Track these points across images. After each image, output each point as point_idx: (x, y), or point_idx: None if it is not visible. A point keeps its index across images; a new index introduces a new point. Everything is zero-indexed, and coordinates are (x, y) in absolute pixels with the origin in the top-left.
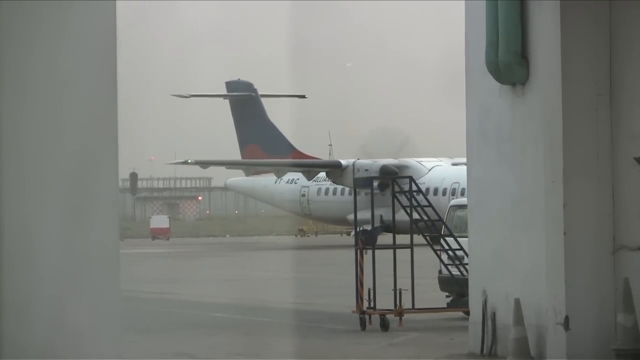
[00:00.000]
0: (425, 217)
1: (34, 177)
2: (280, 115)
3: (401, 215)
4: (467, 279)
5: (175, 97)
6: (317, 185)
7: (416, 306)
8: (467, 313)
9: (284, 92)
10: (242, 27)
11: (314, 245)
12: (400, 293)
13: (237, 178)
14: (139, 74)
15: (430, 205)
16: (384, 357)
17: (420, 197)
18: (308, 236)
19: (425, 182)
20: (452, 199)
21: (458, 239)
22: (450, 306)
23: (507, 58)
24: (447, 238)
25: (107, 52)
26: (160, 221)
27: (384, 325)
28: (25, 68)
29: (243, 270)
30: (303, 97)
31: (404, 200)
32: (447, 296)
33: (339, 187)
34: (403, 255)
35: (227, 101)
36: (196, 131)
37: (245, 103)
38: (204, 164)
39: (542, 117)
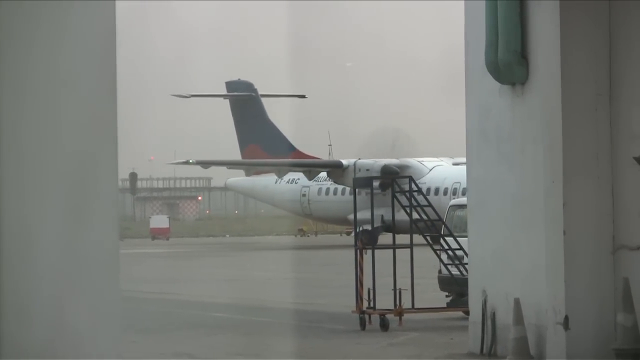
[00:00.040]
0: (425, 217)
1: (34, 177)
2: (280, 115)
3: (402, 215)
4: (466, 278)
5: (175, 97)
6: (318, 185)
7: (416, 306)
8: (467, 313)
9: (284, 92)
10: (242, 27)
11: (314, 245)
12: (400, 293)
13: (238, 178)
14: (138, 74)
15: (430, 205)
16: (383, 357)
17: (420, 197)
18: (308, 236)
19: (426, 182)
20: (453, 198)
21: (458, 238)
22: (450, 306)
23: (506, 58)
24: (446, 238)
25: (106, 52)
26: (160, 221)
27: (384, 325)
28: (25, 68)
29: (243, 270)
30: (303, 97)
31: (404, 200)
32: (446, 296)
33: (340, 187)
34: (403, 255)
35: (227, 101)
36: (196, 131)
37: (245, 103)
38: (205, 164)
39: (541, 116)
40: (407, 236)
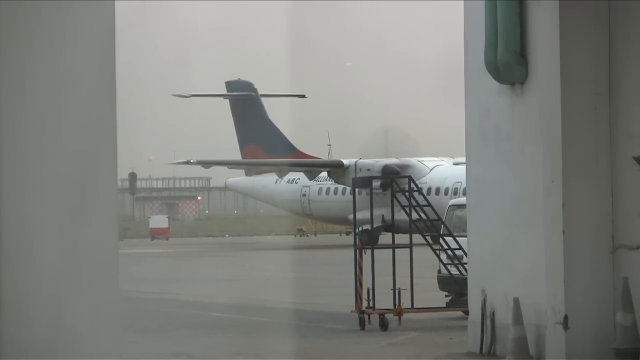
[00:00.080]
0: (429, 217)
1: (33, 177)
2: (280, 115)
3: (403, 215)
4: (466, 278)
5: (175, 97)
6: (318, 185)
7: (415, 306)
8: (466, 312)
9: (284, 92)
10: (242, 27)
11: (313, 245)
12: (399, 292)
13: (237, 178)
14: (138, 74)
15: (429, 204)
16: (383, 356)
17: (420, 198)
18: (307, 236)
19: (427, 181)
20: (454, 198)
21: (457, 238)
22: (450, 306)
23: (506, 58)
24: (446, 237)
25: (106, 52)
26: (159, 221)
27: (383, 325)
28: (25, 68)
29: (242, 270)
30: (303, 96)
31: (404, 200)
32: (446, 295)
33: (340, 187)
34: (402, 254)
35: (227, 101)
36: (195, 131)
37: (245, 103)
38: (207, 164)
39: (541, 116)
40: (407, 236)
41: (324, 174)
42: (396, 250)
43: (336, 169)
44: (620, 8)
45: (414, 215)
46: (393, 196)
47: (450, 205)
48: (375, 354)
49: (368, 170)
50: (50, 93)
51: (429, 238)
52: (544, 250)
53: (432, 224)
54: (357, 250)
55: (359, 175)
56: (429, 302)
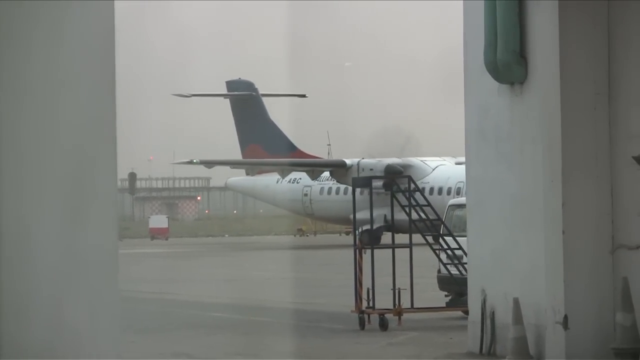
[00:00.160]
0: (429, 217)
1: (33, 177)
2: (279, 114)
3: (405, 215)
4: (466, 278)
5: (175, 96)
6: (320, 184)
7: (415, 305)
8: (466, 312)
9: (284, 92)
10: (242, 27)
11: (313, 245)
12: (399, 292)
13: (238, 178)
14: (137, 74)
15: (429, 204)
16: (383, 356)
17: (420, 198)
18: (307, 236)
19: (429, 181)
20: (457, 198)
21: (457, 238)
22: (449, 305)
23: (505, 57)
24: (446, 237)
25: (105, 52)
26: (159, 221)
27: (383, 325)
28: (24, 68)
29: (242, 270)
30: (303, 96)
31: (405, 200)
32: (446, 295)
33: (342, 187)
34: (402, 254)
35: (227, 101)
36: (195, 131)
37: (246, 102)
38: (209, 164)
39: (540, 116)
40: (408, 236)
41: (325, 173)
42: (396, 250)
43: (338, 169)
44: (619, 8)
45: (415, 216)
46: (393, 196)
47: (450, 205)
48: (375, 354)
49: (371, 170)
50: (49, 93)
51: (429, 238)
52: (543, 250)
53: (432, 224)
54: (357, 250)
55: (362, 175)
56: (429, 302)
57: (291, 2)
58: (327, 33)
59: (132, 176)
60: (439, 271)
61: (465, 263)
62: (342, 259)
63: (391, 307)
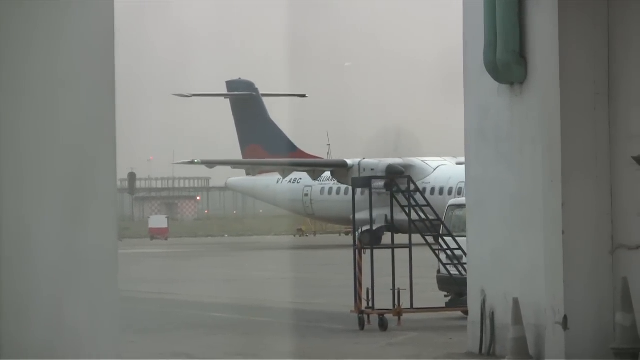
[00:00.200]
0: (428, 217)
1: (32, 177)
2: (279, 114)
3: (406, 215)
4: (465, 278)
5: (174, 96)
6: (321, 184)
7: (415, 306)
8: (466, 312)
9: (284, 92)
10: (242, 27)
11: (313, 245)
12: (398, 293)
13: (238, 178)
14: (137, 74)
15: (428, 205)
16: (382, 356)
17: (419, 198)
18: (307, 236)
19: (430, 181)
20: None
21: (457, 238)
22: (449, 306)
23: (505, 57)
24: (445, 237)
25: (105, 52)
26: (158, 221)
27: (383, 325)
28: (23, 68)
29: (241, 270)
30: (304, 96)
31: (405, 201)
32: (445, 296)
33: (343, 187)
34: (402, 254)
35: (226, 101)
36: (195, 131)
37: (246, 102)
38: (211, 164)
39: (540, 116)
40: (414, 235)
41: (326, 174)
42: (396, 250)
43: (340, 169)
44: (619, 8)
45: (416, 216)
46: (392, 196)
47: (450, 205)
48: (374, 354)
49: (372, 170)
50: (49, 93)
51: (428, 238)
52: (543, 251)
53: (432, 224)
54: (357, 251)
55: (363, 175)
56: (429, 302)
57: (291, 2)
58: (327, 33)
59: (132, 176)
60: (438, 271)
61: (465, 263)
62: (342, 259)
63: (391, 307)
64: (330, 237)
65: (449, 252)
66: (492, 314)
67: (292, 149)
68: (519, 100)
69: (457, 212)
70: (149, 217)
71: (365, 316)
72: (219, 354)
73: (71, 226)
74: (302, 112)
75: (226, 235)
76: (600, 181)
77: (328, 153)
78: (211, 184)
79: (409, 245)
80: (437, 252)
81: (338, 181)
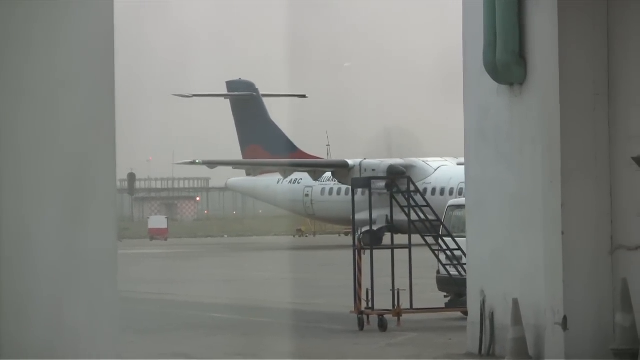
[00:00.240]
0: (428, 218)
1: (32, 177)
2: (279, 115)
3: (406, 216)
4: (465, 279)
5: (174, 97)
6: (321, 185)
7: (414, 306)
8: (466, 313)
9: (284, 92)
10: (242, 28)
11: (312, 245)
12: (398, 293)
13: (239, 178)
14: (137, 74)
15: (428, 205)
16: (382, 357)
17: (419, 198)
18: (306, 236)
19: (431, 182)
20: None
21: (456, 238)
22: (449, 306)
23: (504, 58)
24: (445, 238)
25: (104, 53)
26: (158, 222)
27: (382, 326)
28: (23, 68)
29: (241, 270)
30: (304, 96)
31: (405, 201)
32: (445, 296)
33: (343, 187)
34: (401, 255)
35: (227, 101)
36: (194, 131)
37: (246, 103)
38: (212, 164)
39: (540, 116)
40: (414, 236)
41: (326, 174)
42: (395, 250)
43: (341, 169)
44: (619, 8)
45: (416, 217)
46: (392, 197)
47: (450, 206)
48: (374, 355)
49: (373, 170)
50: (48, 94)
51: (428, 239)
52: (543, 251)
53: (432, 225)
54: (356, 251)
55: (364, 175)
56: (428, 303)
57: (291, 2)
58: (327, 33)
59: (132, 177)
60: (438, 272)
61: (465, 264)
62: (342, 259)
63: (390, 307)
64: (330, 238)
65: (448, 252)
66: (492, 315)
67: (293, 150)
68: (519, 101)
69: (457, 213)
70: (148, 218)
71: (365, 317)
72: (218, 354)
73: (71, 226)
74: (302, 113)
75: (226, 236)
76: (599, 181)
77: (328, 153)
78: (211, 185)
79: (409, 246)
80: (436, 252)
81: (339, 181)
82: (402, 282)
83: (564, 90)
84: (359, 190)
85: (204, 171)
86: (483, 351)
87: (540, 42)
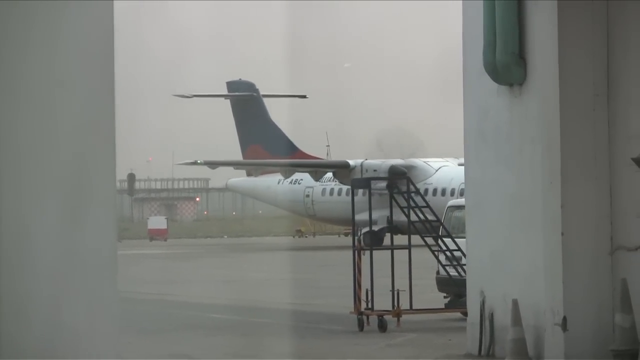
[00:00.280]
0: (429, 219)
1: (32, 178)
2: (279, 115)
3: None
4: (464, 279)
5: (174, 97)
6: (322, 185)
7: (414, 307)
8: (465, 314)
9: (284, 93)
10: (242, 28)
11: (312, 246)
12: (398, 294)
13: (239, 178)
14: (136, 75)
15: (427, 206)
16: (381, 357)
17: (419, 199)
18: (306, 237)
19: (432, 182)
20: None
21: (455, 239)
22: (448, 307)
23: (504, 58)
24: (444, 239)
25: (104, 53)
26: (157, 222)
27: (382, 326)
28: (21, 69)
29: (241, 271)
30: (304, 97)
31: (406, 202)
32: (444, 297)
33: (344, 188)
34: (401, 255)
35: (227, 102)
36: (194, 132)
37: (247, 103)
38: (213, 165)
39: (539, 117)
40: (413, 237)
41: (327, 174)
42: (395, 251)
43: (342, 170)
44: (618, 8)
45: (417, 217)
46: (392, 197)
47: (449, 207)
48: (373, 355)
49: (374, 171)
50: (48, 94)
51: (428, 239)
52: (542, 252)
53: (432, 226)
54: (356, 252)
55: (366, 176)
56: (428, 304)
57: (291, 3)
58: (327, 34)
59: (131, 177)
60: (437, 272)
61: (464, 264)
62: (341, 260)
63: (390, 308)
64: (330, 238)
65: (448, 253)
66: (492, 315)
67: (293, 150)
68: (519, 102)
69: (457, 213)
70: (148, 218)
71: (365, 317)
72: (218, 354)
73: (70, 227)
74: (302, 113)
75: (225, 236)
76: (599, 182)
77: (327, 154)
78: (210, 185)
79: (409, 247)
80: (436, 253)
81: (340, 182)
82: (401, 283)
83: (564, 90)
84: (360, 191)
85: (204, 172)
86: (483, 352)
87: (540, 43)
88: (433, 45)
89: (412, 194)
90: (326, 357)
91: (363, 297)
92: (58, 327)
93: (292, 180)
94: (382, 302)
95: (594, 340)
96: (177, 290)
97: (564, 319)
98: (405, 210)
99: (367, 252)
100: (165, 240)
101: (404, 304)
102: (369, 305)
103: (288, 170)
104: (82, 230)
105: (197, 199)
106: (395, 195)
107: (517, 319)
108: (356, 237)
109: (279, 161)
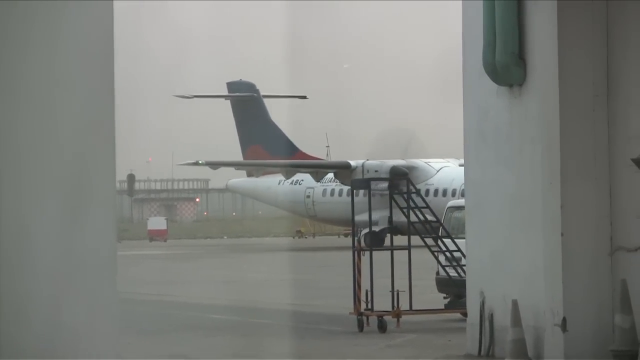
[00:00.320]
0: (428, 219)
1: (32, 178)
2: (279, 116)
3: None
4: (464, 280)
5: (174, 98)
6: (323, 186)
7: (414, 307)
8: (465, 314)
9: (284, 93)
10: (242, 29)
11: (312, 246)
12: (397, 294)
13: (239, 179)
14: (136, 75)
15: (427, 206)
16: (381, 358)
17: (419, 199)
18: (306, 237)
19: (434, 183)
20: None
21: (455, 240)
22: (448, 307)
23: (504, 59)
24: (444, 239)
25: (104, 53)
26: (157, 223)
27: (382, 327)
28: (21, 69)
29: (240, 271)
30: (304, 97)
31: (406, 203)
32: (444, 297)
33: (345, 188)
34: (401, 256)
35: (227, 102)
36: (194, 132)
37: (247, 104)
38: (215, 165)
39: (539, 118)
40: (414, 237)
41: (328, 175)
42: (395, 252)
43: (343, 170)
44: (618, 8)
45: (417, 218)
46: (391, 198)
47: (449, 207)
48: (373, 356)
49: (376, 171)
50: (47, 95)
51: (428, 240)
52: (542, 252)
53: (432, 226)
54: (356, 252)
55: (367, 176)
56: (428, 304)
57: (291, 3)
58: (327, 35)
59: (131, 178)
60: (437, 273)
61: (464, 265)
62: (341, 260)
63: (390, 309)
64: (330, 239)
65: (448, 253)
66: (491, 316)
67: (293, 150)
68: (518, 102)
69: (456, 214)
70: (148, 219)
71: (364, 318)
72: (217, 355)
73: (70, 227)
74: (302, 114)
75: (225, 237)
76: (599, 183)
77: (327, 154)
78: (210, 186)
79: (408, 247)
80: (436, 253)
81: (341, 183)
82: (401, 284)
83: (564, 91)
84: (361, 192)
85: (204, 172)
86: (482, 352)
87: (540, 43)
88: (433, 45)
89: (412, 195)
90: (326, 358)
91: (363, 297)
92: (58, 327)
93: (292, 181)
94: (382, 302)
95: (593, 340)
96: (177, 290)
97: (564, 319)
98: (405, 211)
99: (367, 253)
100: (165, 240)
101: (404, 305)
102: (369, 306)
103: (289, 170)
104: (81, 230)
105: (197, 199)
106: (396, 196)
107: (516, 320)
108: (356, 238)
109: (281, 162)
